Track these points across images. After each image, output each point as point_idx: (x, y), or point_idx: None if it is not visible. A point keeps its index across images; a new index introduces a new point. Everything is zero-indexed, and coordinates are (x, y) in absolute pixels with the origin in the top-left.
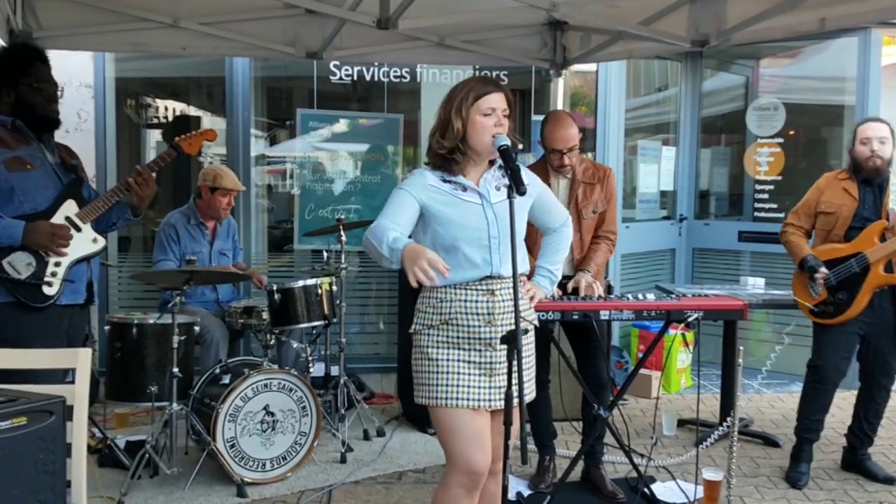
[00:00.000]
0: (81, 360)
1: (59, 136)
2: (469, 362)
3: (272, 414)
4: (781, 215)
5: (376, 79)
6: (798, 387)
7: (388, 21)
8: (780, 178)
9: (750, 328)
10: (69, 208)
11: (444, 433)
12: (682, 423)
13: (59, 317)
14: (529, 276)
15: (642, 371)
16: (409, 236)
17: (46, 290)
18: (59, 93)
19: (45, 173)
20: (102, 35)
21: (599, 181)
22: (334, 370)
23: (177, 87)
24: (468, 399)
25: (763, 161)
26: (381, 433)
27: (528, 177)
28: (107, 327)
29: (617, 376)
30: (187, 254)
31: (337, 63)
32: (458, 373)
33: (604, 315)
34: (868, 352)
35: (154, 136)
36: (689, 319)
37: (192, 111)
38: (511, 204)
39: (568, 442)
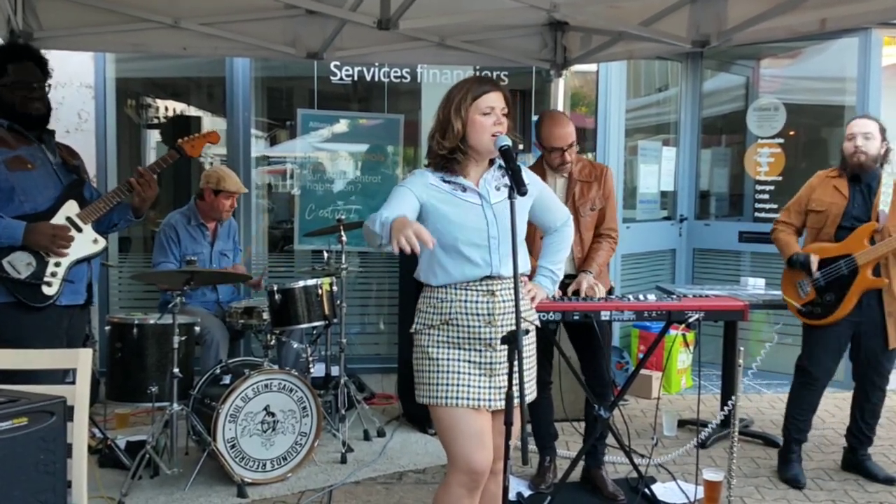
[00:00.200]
0: (82, 361)
1: (59, 137)
2: (469, 362)
3: (273, 414)
4: None
5: (377, 79)
6: None
7: (389, 21)
8: (780, 178)
9: (750, 329)
10: (70, 208)
11: (445, 432)
12: (682, 424)
13: (59, 317)
14: (530, 277)
15: (643, 371)
16: None
17: (46, 290)
18: (45, 88)
19: (45, 173)
20: (103, 35)
21: (596, 179)
22: (335, 370)
23: (177, 87)
24: (468, 398)
25: (763, 161)
26: (381, 433)
27: (528, 177)
28: (107, 328)
29: (617, 377)
30: (188, 255)
31: (337, 63)
32: (459, 372)
33: (605, 316)
34: (860, 352)
35: (154, 137)
36: (690, 320)
37: (193, 111)
38: (512, 204)
39: (568, 442)
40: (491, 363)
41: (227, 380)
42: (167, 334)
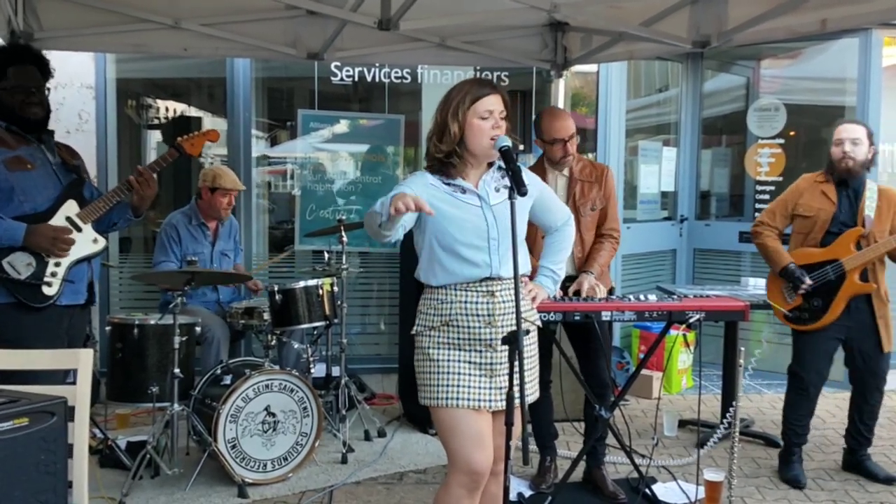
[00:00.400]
0: (83, 361)
1: (60, 137)
2: (470, 363)
3: (273, 414)
4: None
5: (377, 80)
6: None
7: (389, 22)
8: (780, 178)
9: (751, 329)
10: (70, 208)
11: (445, 433)
12: (683, 424)
13: (60, 317)
14: (531, 277)
15: (643, 372)
16: (409, 234)
17: (46, 290)
18: (45, 92)
19: (45, 173)
20: (103, 36)
21: (597, 180)
22: (335, 371)
23: (178, 87)
24: (468, 399)
25: (764, 162)
26: (382, 434)
27: (528, 177)
28: (108, 328)
29: (618, 377)
30: (188, 254)
31: (338, 64)
32: (459, 373)
33: (605, 316)
34: (854, 356)
35: (155, 137)
36: (691, 320)
37: (193, 112)
38: (512, 205)
39: (569, 442)
40: (491, 364)
41: (227, 380)
42: (168, 334)
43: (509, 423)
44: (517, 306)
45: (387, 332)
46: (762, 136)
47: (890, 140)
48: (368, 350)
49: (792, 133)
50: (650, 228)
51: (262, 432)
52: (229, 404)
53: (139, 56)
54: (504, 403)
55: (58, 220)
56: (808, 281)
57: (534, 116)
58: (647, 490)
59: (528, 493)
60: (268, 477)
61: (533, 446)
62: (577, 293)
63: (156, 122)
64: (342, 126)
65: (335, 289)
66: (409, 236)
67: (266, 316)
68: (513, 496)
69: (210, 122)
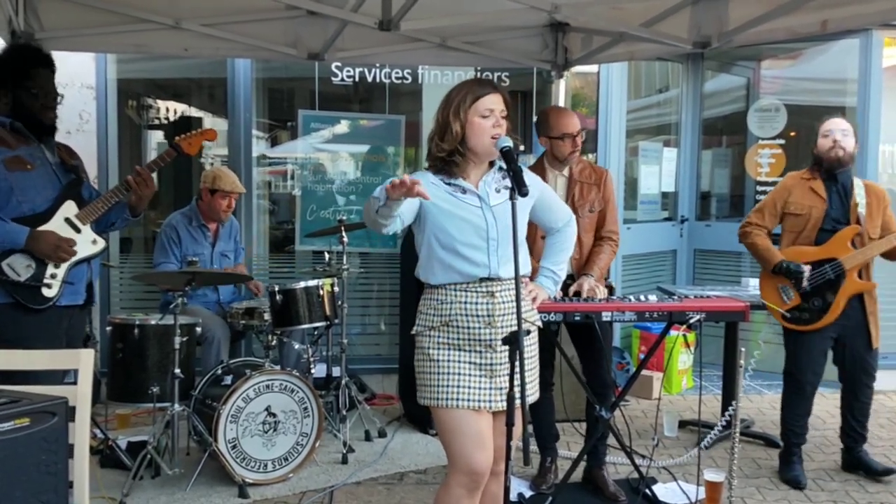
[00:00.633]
0: (84, 361)
1: (61, 137)
2: (470, 363)
3: (274, 415)
4: None
5: (378, 80)
6: None
7: (390, 22)
8: (781, 179)
9: (751, 329)
10: (69, 209)
11: (446, 433)
12: (683, 425)
13: (59, 318)
14: (531, 278)
15: (644, 372)
16: (410, 235)
17: (46, 291)
18: (58, 100)
19: (44, 173)
20: (104, 36)
21: (597, 183)
22: (336, 371)
23: (178, 88)
24: (468, 399)
25: (764, 162)
26: (382, 434)
27: (529, 178)
28: (108, 328)
29: (618, 377)
30: (188, 255)
31: (338, 64)
32: (459, 373)
33: (606, 316)
34: (845, 354)
35: (155, 137)
36: (692, 321)
37: (194, 112)
38: (513, 205)
39: (569, 443)
40: (491, 364)
41: (228, 380)
42: (168, 335)
43: (510, 424)
44: (518, 307)
45: (387, 332)
46: (762, 136)
47: (890, 140)
48: (369, 350)
49: (792, 134)
50: (650, 229)
51: (262, 432)
52: (230, 404)
53: (140, 56)
54: (504, 404)
55: (56, 220)
56: (807, 271)
57: (534, 117)
58: (647, 490)
59: (528, 493)
60: (268, 477)
61: (533, 447)
62: (578, 294)
63: (156, 122)
64: (343, 126)
65: (336, 289)
66: (409, 237)
67: (266, 316)
68: (513, 496)
69: (210, 122)
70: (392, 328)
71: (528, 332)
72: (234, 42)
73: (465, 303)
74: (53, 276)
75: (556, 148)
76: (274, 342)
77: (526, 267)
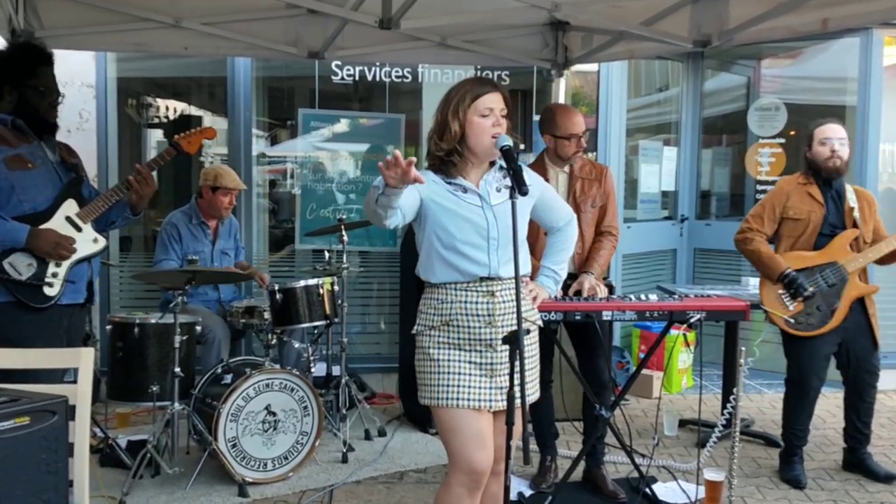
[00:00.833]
0: (84, 360)
1: (61, 136)
2: (470, 363)
3: (274, 414)
4: None
5: (378, 79)
6: None
7: (390, 21)
8: (781, 178)
9: (751, 329)
10: (69, 208)
11: (446, 433)
12: (683, 424)
13: (60, 317)
14: (532, 277)
15: (644, 371)
16: (410, 235)
17: (47, 290)
18: (60, 98)
19: (46, 172)
20: (104, 35)
21: (597, 178)
22: (336, 370)
23: (178, 86)
24: (469, 399)
25: (764, 161)
26: (382, 433)
27: (530, 177)
28: (108, 327)
29: (618, 377)
30: (189, 253)
31: (338, 63)
32: (460, 373)
33: (606, 315)
34: (848, 357)
35: (155, 136)
36: (692, 320)
37: (194, 111)
38: (513, 205)
39: (569, 442)
40: (492, 364)
41: (228, 379)
42: (168, 333)
43: (510, 423)
44: (518, 306)
45: (387, 331)
46: (763, 135)
47: (890, 139)
48: (369, 349)
49: (792, 133)
50: (651, 228)
51: (262, 431)
52: (230, 403)
53: (140, 55)
54: (504, 403)
55: (57, 219)
56: (810, 288)
57: (535, 115)
58: (647, 490)
59: (528, 492)
60: (268, 476)
61: (533, 446)
62: (578, 293)
63: (156, 121)
64: (343, 125)
65: (335, 288)
66: (409, 236)
67: (266, 315)
68: (513, 496)
69: (210, 121)
70: (392, 327)
71: (528, 332)
72: (234, 41)
73: (466, 302)
74: (55, 275)
75: (560, 147)
76: (274, 341)
77: (526, 267)
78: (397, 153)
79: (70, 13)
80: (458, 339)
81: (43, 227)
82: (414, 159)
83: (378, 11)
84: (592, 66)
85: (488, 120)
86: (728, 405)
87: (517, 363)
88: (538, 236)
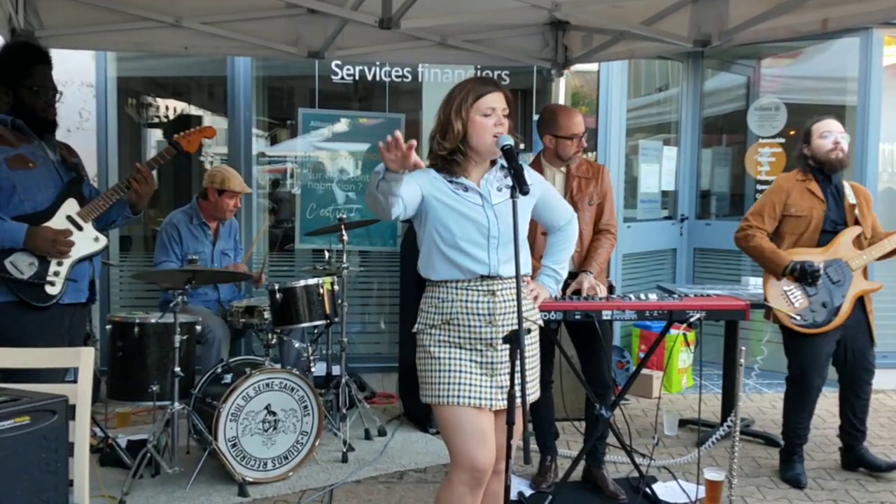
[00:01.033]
0: (84, 360)
1: (61, 136)
2: (471, 361)
3: (274, 413)
4: None
5: (378, 78)
6: None
7: (390, 21)
8: (778, 176)
9: (751, 328)
10: (70, 207)
11: (447, 431)
12: (683, 423)
13: (61, 316)
14: (532, 277)
15: (644, 371)
16: (410, 235)
17: (49, 289)
18: (57, 96)
19: (47, 171)
20: (104, 34)
21: (594, 177)
22: (336, 370)
23: (178, 86)
24: (470, 397)
25: (764, 161)
26: (382, 433)
27: (531, 176)
28: (108, 327)
29: (618, 376)
30: (189, 254)
31: (338, 62)
32: (461, 371)
33: (606, 315)
34: (846, 354)
35: (155, 136)
36: (692, 319)
37: (194, 110)
38: (514, 204)
39: (569, 442)
40: (492, 363)
41: (228, 379)
42: (168, 333)
43: (510, 422)
44: (518, 305)
45: (387, 330)
46: (763, 135)
47: (890, 139)
48: (369, 349)
49: (792, 132)
50: (650, 228)
51: (262, 431)
52: (230, 403)
53: (140, 54)
54: (505, 402)
55: (58, 218)
56: (822, 268)
57: (535, 115)
58: (647, 489)
59: (528, 492)
60: (268, 476)
61: (533, 445)
62: (577, 292)
63: (156, 120)
64: (343, 125)
65: (336, 287)
66: (409, 236)
67: (266, 314)
68: (513, 495)
69: (210, 120)
70: (392, 327)
71: (529, 331)
72: (235, 40)
73: (467, 301)
74: (57, 274)
75: (562, 147)
76: (274, 341)
77: (526, 266)
78: (398, 134)
79: (70, 13)
80: (459, 337)
81: (41, 226)
82: (414, 142)
83: (378, 11)
84: (592, 66)
85: (490, 119)
86: (732, 412)
87: (518, 362)
88: (535, 236)
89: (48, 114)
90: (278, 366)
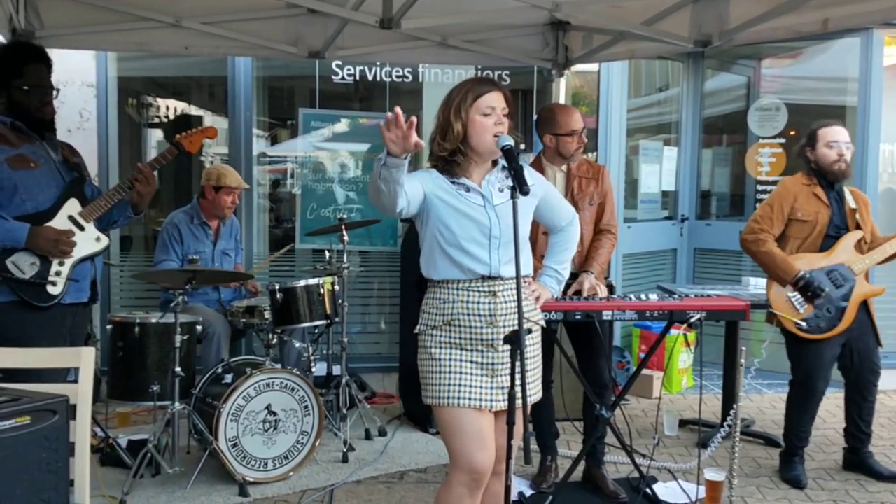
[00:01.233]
0: (85, 360)
1: (61, 135)
2: (472, 362)
3: (274, 413)
4: None
5: (378, 78)
6: None
7: (391, 21)
8: (781, 178)
9: (751, 328)
10: (72, 207)
11: (447, 432)
12: (683, 424)
13: (63, 316)
14: (534, 277)
15: (644, 371)
16: (411, 235)
17: (51, 289)
18: (54, 93)
19: (48, 171)
20: (105, 34)
21: (594, 176)
22: (336, 370)
23: (179, 86)
24: (470, 398)
25: (765, 161)
26: (382, 433)
27: (532, 177)
28: (109, 326)
29: (618, 376)
30: (190, 253)
31: (339, 63)
32: (461, 372)
33: (606, 315)
34: (852, 357)
35: (156, 136)
36: (692, 320)
37: (194, 110)
38: (514, 205)
39: (569, 442)
40: (493, 364)
41: (228, 379)
42: (169, 333)
43: (511, 423)
44: (519, 305)
45: (387, 331)
46: (763, 135)
47: (890, 139)
48: (369, 349)
49: (793, 133)
50: (651, 228)
51: (262, 431)
52: (230, 403)
53: (140, 54)
54: (505, 403)
55: (60, 218)
56: (827, 288)
57: (535, 115)
58: (647, 489)
59: (528, 492)
60: (269, 476)
61: (533, 446)
62: (578, 293)
63: (156, 120)
64: (343, 125)
65: (336, 288)
66: (409, 236)
67: (267, 314)
68: (513, 496)
69: (211, 120)
70: (392, 327)
71: (530, 332)
72: (235, 40)
73: (468, 302)
74: (58, 274)
75: (563, 145)
76: (274, 341)
77: (528, 267)
78: (398, 110)
79: (71, 13)
80: (460, 338)
81: (43, 226)
82: (414, 119)
83: (379, 11)
84: (593, 66)
85: (490, 119)
86: (732, 410)
87: (518, 363)
88: (536, 235)
89: (43, 113)
90: (279, 366)
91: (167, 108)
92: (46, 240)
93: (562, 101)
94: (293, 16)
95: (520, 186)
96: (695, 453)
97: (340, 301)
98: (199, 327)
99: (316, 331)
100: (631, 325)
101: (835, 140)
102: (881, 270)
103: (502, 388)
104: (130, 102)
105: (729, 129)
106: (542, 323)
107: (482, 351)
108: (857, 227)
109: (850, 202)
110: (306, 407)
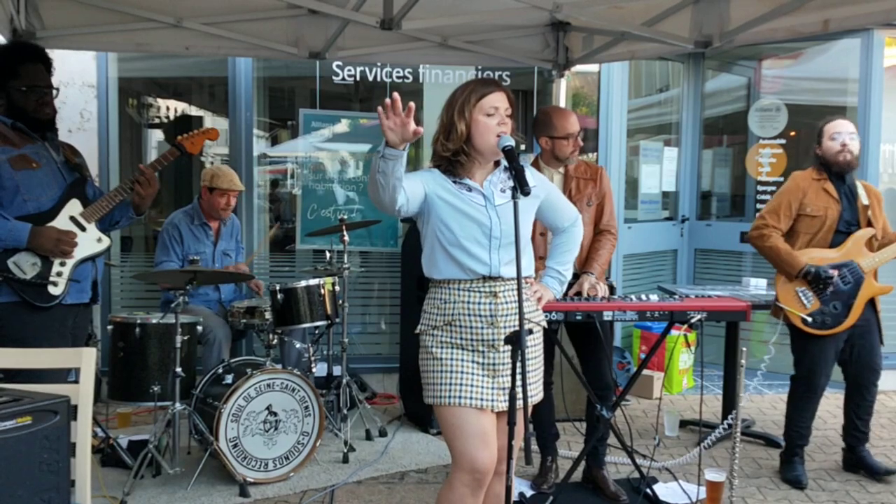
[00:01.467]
0: (86, 360)
1: (62, 136)
2: (473, 362)
3: (275, 414)
4: None
5: (379, 79)
6: None
7: (392, 21)
8: (782, 179)
9: (752, 329)
10: (73, 208)
11: (449, 432)
12: (684, 424)
13: (64, 316)
14: (535, 278)
15: (644, 372)
16: (411, 235)
17: (52, 289)
18: (53, 93)
19: (50, 171)
20: (105, 35)
21: (592, 178)
22: (336, 370)
23: (179, 86)
24: (471, 398)
25: (765, 162)
26: (383, 433)
27: (535, 178)
28: (109, 327)
29: (619, 377)
30: (190, 254)
31: (339, 63)
32: (462, 372)
33: (607, 316)
34: (852, 354)
35: (156, 136)
36: (693, 320)
37: (195, 111)
38: (515, 205)
39: (570, 442)
40: (494, 364)
41: (229, 379)
42: (169, 333)
43: (511, 423)
44: (520, 306)
45: (388, 331)
46: (763, 136)
47: (890, 140)
48: (369, 349)
49: (793, 133)
50: (651, 228)
51: (263, 431)
52: (231, 403)
53: (141, 55)
54: (507, 403)
55: (62, 219)
56: (836, 276)
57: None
58: (648, 490)
59: (529, 492)
60: (269, 476)
61: (534, 446)
62: (578, 294)
63: (157, 121)
64: (343, 125)
65: (336, 288)
66: (410, 237)
67: (267, 315)
68: (514, 496)
69: (211, 121)
70: (393, 327)
71: (531, 332)
72: (235, 41)
73: (469, 302)
74: (59, 275)
75: (558, 148)
76: (275, 341)
77: (529, 268)
78: (396, 95)
79: (71, 13)
80: (461, 339)
81: (45, 226)
82: (412, 105)
83: (379, 12)
84: (593, 67)
85: (493, 119)
86: (732, 412)
87: (518, 363)
88: (535, 237)
89: (42, 112)
90: (279, 366)
91: (168, 108)
92: (48, 240)
93: (562, 101)
94: (294, 16)
95: (521, 187)
96: (693, 453)
97: (341, 301)
98: (199, 328)
99: (316, 331)
100: (631, 325)
101: (837, 132)
102: (884, 270)
103: (503, 388)
104: (131, 103)
105: (729, 129)
106: (544, 324)
107: (483, 351)
108: (869, 223)
109: (863, 198)
110: (307, 407)
